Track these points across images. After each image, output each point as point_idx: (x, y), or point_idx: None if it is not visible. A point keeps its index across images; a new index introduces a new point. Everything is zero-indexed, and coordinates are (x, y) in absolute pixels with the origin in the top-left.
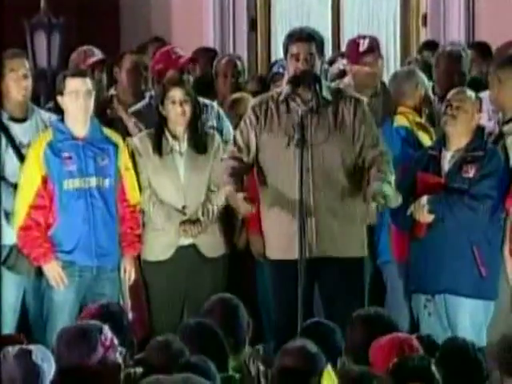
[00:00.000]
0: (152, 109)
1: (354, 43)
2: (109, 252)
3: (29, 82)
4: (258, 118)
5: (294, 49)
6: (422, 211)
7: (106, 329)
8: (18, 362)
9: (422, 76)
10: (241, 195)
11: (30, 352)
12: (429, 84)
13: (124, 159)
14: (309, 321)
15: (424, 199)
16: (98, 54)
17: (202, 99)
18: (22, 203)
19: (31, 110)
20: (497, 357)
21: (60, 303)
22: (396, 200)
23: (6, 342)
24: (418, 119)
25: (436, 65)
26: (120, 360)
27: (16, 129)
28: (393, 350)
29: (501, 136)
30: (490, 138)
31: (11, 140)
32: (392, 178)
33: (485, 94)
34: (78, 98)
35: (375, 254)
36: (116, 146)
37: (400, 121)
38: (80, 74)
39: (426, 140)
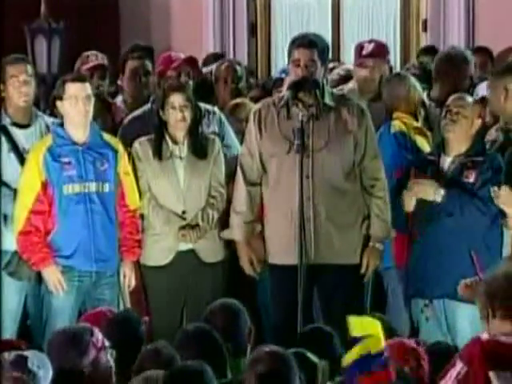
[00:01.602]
0: (154, 115)
1: (359, 46)
2: (108, 257)
3: (30, 88)
4: (259, 124)
5: (295, 55)
6: (427, 191)
7: (97, 331)
8: (14, 368)
9: (414, 80)
10: (246, 258)
11: (25, 358)
12: (422, 88)
13: (123, 164)
14: (307, 326)
15: (436, 185)
16: (101, 59)
17: (203, 105)
18: (21, 208)
19: (35, 115)
20: (494, 295)
21: (59, 308)
22: (390, 233)
23: (4, 347)
24: (414, 124)
25: (437, 69)
26: (111, 362)
27: (19, 134)
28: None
29: (506, 144)
30: (493, 145)
31: (14, 145)
32: (388, 211)
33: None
34: (77, 102)
35: None
36: (116, 151)
37: (397, 126)
38: (79, 79)
39: (423, 144)
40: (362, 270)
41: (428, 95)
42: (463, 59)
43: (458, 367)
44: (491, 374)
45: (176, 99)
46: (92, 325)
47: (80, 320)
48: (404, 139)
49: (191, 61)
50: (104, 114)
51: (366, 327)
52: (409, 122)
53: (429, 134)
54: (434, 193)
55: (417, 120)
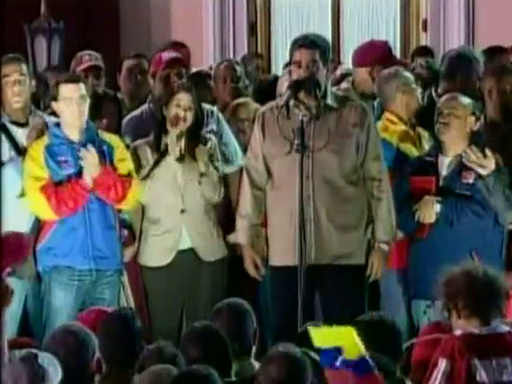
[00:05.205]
0: (151, 114)
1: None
2: (107, 255)
3: (23, 87)
4: (263, 127)
5: (296, 56)
6: (431, 212)
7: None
8: (24, 364)
9: (407, 77)
10: (250, 261)
11: (36, 356)
12: (425, 87)
13: (119, 154)
14: (303, 325)
15: (433, 199)
16: (95, 59)
17: (202, 104)
18: (32, 186)
19: (33, 114)
20: (456, 296)
21: (58, 308)
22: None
23: (16, 345)
24: (399, 127)
25: (447, 67)
26: None
27: (18, 133)
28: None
29: None
30: None
31: (14, 143)
32: (391, 212)
33: None
34: (71, 103)
35: None
36: (111, 147)
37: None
38: (73, 79)
39: (408, 149)
40: (368, 272)
41: (435, 92)
42: (473, 58)
43: (443, 365)
44: (476, 362)
45: (183, 98)
46: (88, 324)
47: (76, 321)
48: (385, 148)
49: (178, 61)
50: (113, 115)
51: (332, 338)
52: (393, 126)
53: (416, 134)
54: (434, 213)
55: (406, 122)
